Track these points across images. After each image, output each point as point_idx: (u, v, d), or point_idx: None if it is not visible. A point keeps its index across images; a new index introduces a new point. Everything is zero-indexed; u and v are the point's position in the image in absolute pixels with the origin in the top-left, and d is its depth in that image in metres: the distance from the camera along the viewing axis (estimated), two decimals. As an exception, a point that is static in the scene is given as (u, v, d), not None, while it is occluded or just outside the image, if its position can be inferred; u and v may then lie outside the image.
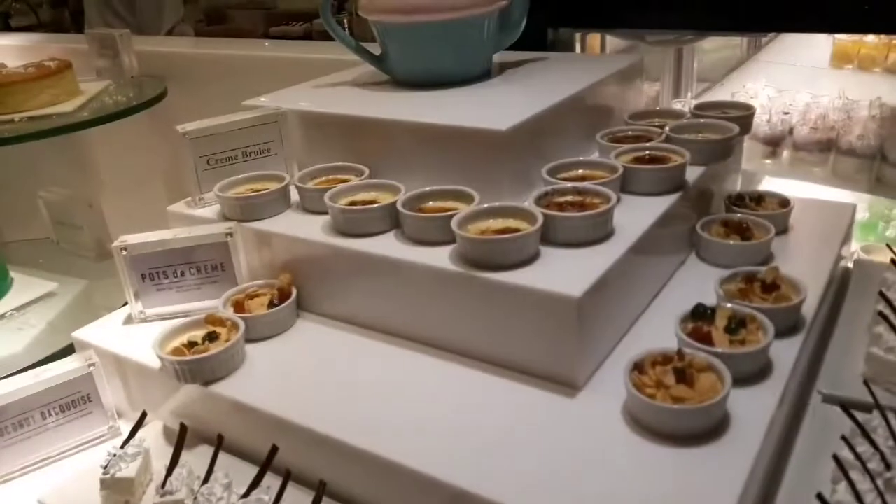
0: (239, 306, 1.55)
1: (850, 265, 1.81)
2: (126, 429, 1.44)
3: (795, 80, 2.97)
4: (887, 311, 1.38)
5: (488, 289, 1.31)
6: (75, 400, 1.54)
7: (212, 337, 1.45)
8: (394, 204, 1.49)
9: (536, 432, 1.19)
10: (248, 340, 1.50)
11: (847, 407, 1.24)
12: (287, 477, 1.21)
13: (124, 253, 1.60)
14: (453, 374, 1.37)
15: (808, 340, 1.40)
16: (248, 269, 1.67)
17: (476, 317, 1.35)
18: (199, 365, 1.39)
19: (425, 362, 1.41)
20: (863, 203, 2.62)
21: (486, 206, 1.43)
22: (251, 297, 1.59)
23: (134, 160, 3.11)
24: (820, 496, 1.00)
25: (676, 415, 1.13)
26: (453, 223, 1.36)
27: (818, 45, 3.34)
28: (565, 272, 1.28)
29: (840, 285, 1.71)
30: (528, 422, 1.22)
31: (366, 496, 1.24)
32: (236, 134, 1.75)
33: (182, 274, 1.63)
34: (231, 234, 1.61)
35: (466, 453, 1.16)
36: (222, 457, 1.33)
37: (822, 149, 2.21)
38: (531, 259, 1.33)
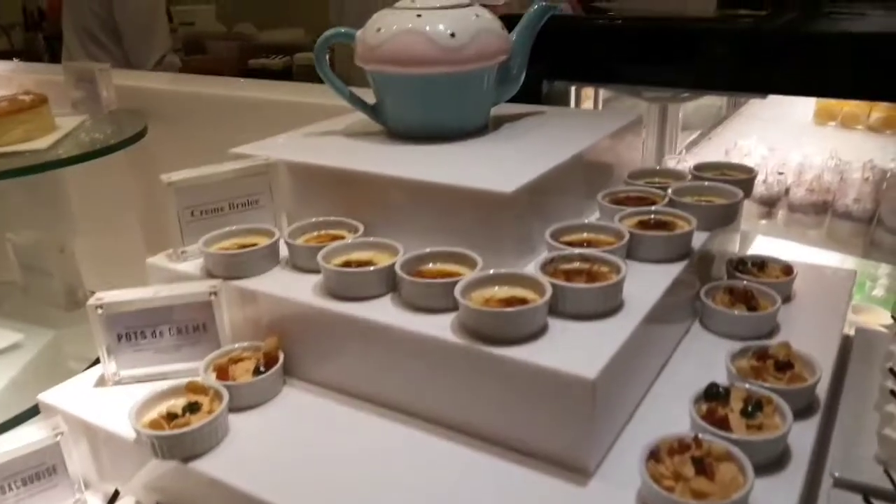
0: (222, 372, 1.45)
1: (850, 332, 1.77)
2: (93, 502, 1.33)
3: (781, 137, 2.98)
4: (898, 389, 1.33)
5: (494, 364, 1.23)
6: (40, 472, 1.41)
7: (193, 408, 1.35)
8: (392, 266, 1.41)
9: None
10: (232, 409, 1.40)
11: (866, 494, 1.18)
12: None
13: (100, 311, 1.50)
14: (451, 454, 1.28)
15: (822, 421, 1.35)
16: (232, 329, 1.57)
17: (479, 392, 1.28)
18: (179, 440, 1.29)
19: (421, 439, 1.33)
20: (850, 263, 2.61)
21: (490, 272, 1.36)
22: (235, 361, 1.49)
23: (109, 201, 2.99)
24: None
25: (699, 512, 1.05)
26: (457, 291, 1.29)
27: (800, 101, 3.37)
28: (577, 349, 1.22)
29: (842, 354, 1.67)
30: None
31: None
32: (224, 185, 1.66)
33: (161, 334, 1.53)
34: (215, 293, 1.51)
35: None
36: (201, 540, 1.23)
37: (818, 211, 2.19)
38: (539, 332, 1.26)
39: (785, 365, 1.36)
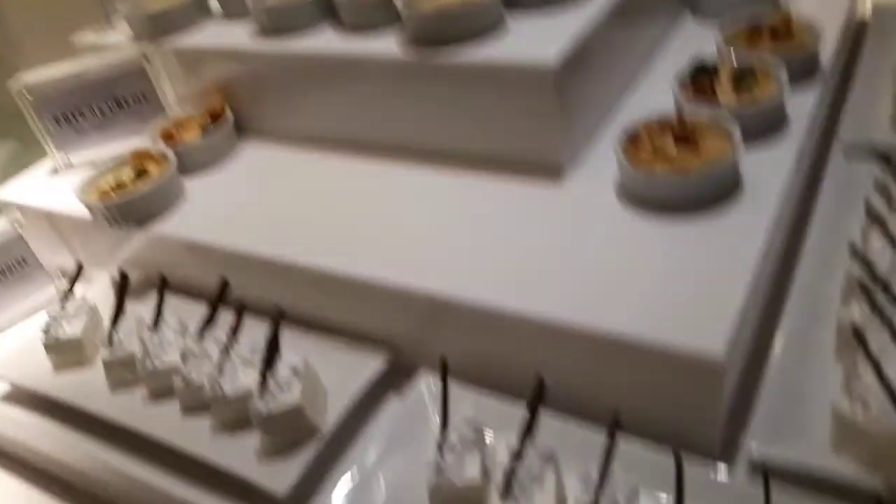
0: (169, 137, 1.35)
1: (867, 10, 1.57)
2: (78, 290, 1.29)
3: None
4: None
5: (448, 71, 1.09)
6: (10, 265, 1.38)
7: (141, 175, 1.26)
8: (326, -13, 1.24)
9: (519, 225, 1.03)
10: (185, 173, 1.31)
11: (875, 150, 1.07)
12: (241, 310, 1.06)
13: (29, 97, 1.37)
14: (421, 177, 1.18)
15: (826, 89, 1.20)
16: (177, 97, 1.45)
17: (440, 106, 1.15)
18: (128, 206, 1.21)
19: (387, 169, 1.22)
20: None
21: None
22: (181, 125, 1.38)
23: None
24: (852, 246, 0.85)
25: (680, 185, 0.95)
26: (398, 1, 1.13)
27: None
28: (537, 38, 1.07)
29: (856, 34, 1.49)
30: (510, 215, 1.05)
31: (338, 319, 1.10)
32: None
33: (101, 111, 1.41)
34: (148, 59, 1.37)
35: (443, 258, 1.00)
36: (175, 301, 1.19)
37: None
38: (493, 26, 1.11)
39: (784, 34, 1.19)
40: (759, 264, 0.87)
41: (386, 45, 1.16)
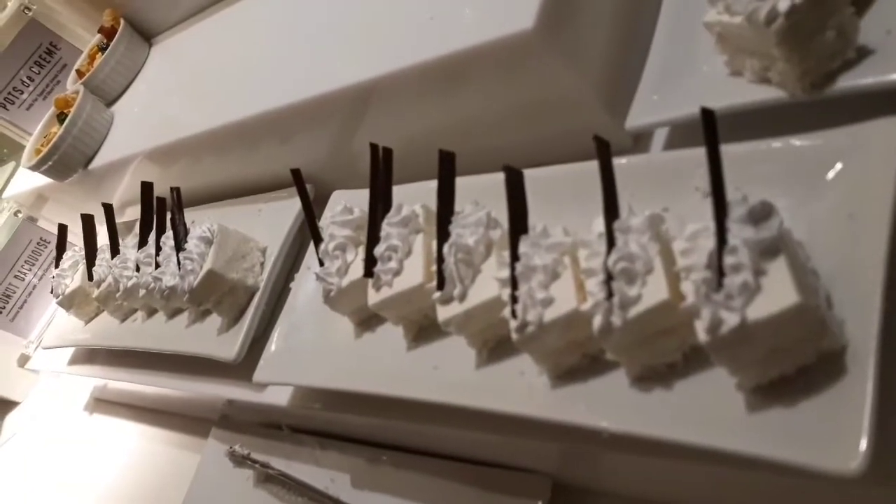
0: (81, 74, 1.33)
1: None
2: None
3: None
4: None
5: None
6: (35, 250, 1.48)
7: (63, 119, 1.26)
8: None
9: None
10: (112, 101, 1.30)
11: None
12: (162, 205, 1.03)
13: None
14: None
15: None
16: (87, 31, 1.41)
17: None
18: (60, 154, 1.22)
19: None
20: None
21: None
22: (92, 58, 1.34)
23: None
24: None
25: None
26: None
27: None
28: None
29: None
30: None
31: (261, 172, 1.05)
32: None
33: (31, 79, 1.42)
34: (28, 7, 1.35)
35: (327, 53, 0.90)
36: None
37: None
38: None
39: None
40: None
41: None
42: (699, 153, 0.50)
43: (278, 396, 0.88)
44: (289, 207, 0.98)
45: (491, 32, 0.66)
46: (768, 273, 0.46)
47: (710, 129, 0.48)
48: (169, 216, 0.96)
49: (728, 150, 0.49)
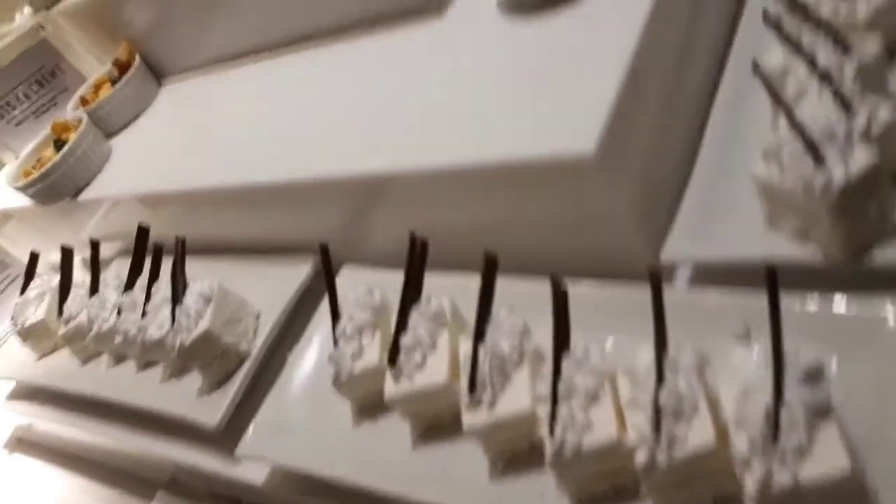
0: (85, 102, 1.30)
1: None
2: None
3: None
4: None
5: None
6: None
7: (60, 146, 1.23)
8: None
9: (410, 72, 0.91)
10: (111, 134, 1.27)
11: None
12: (160, 252, 1.01)
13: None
14: (320, 60, 1.08)
15: None
16: (95, 58, 1.40)
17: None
18: (51, 180, 1.18)
19: (287, 62, 1.14)
20: None
21: None
22: (98, 87, 1.32)
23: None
24: (755, 65, 0.66)
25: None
26: None
27: None
28: None
29: None
30: (395, 70, 0.93)
31: (267, 235, 1.03)
32: None
33: (27, 96, 1.38)
34: (42, 27, 1.32)
35: (356, 133, 0.90)
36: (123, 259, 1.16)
37: None
38: None
39: None
40: (642, 42, 0.70)
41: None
42: (738, 299, 0.53)
43: (253, 472, 0.85)
44: (290, 275, 0.97)
45: (551, 147, 0.68)
46: (819, 434, 0.47)
47: (772, 288, 0.51)
48: (171, 267, 0.92)
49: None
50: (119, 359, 1.07)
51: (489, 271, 0.65)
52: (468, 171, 0.74)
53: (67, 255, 1.16)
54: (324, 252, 0.78)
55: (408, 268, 0.72)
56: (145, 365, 1.02)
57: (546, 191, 0.72)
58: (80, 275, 1.18)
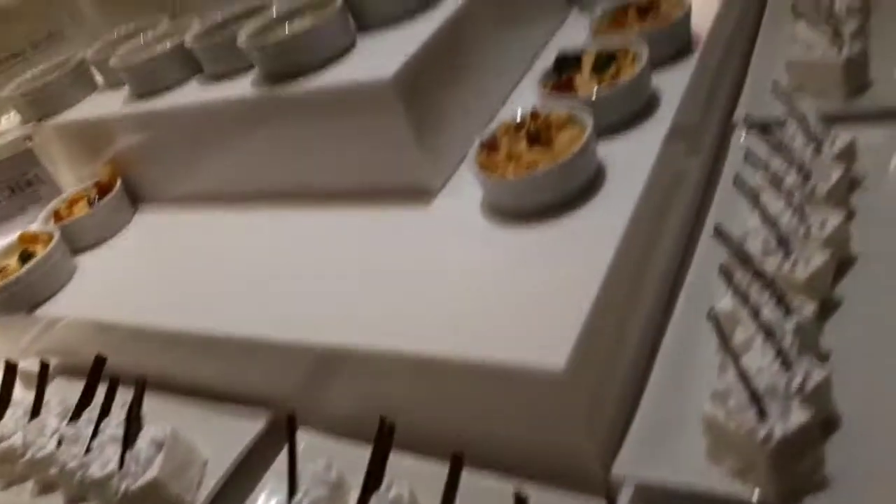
0: (59, 217, 1.31)
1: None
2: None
3: None
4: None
5: (298, 102, 1.05)
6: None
7: (26, 257, 1.23)
8: (182, 44, 1.20)
9: (386, 260, 0.96)
10: (78, 250, 1.28)
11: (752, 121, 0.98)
12: (115, 384, 1.00)
13: None
14: (299, 221, 1.14)
15: (706, 63, 1.11)
16: (74, 175, 1.42)
17: (303, 141, 1.10)
18: (10, 293, 1.17)
19: (267, 218, 1.18)
20: None
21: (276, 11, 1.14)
22: (73, 203, 1.34)
23: None
24: (717, 228, 0.76)
25: (528, 185, 0.88)
26: (240, 39, 1.09)
27: None
28: (381, 55, 1.01)
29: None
30: (379, 252, 0.99)
31: (222, 383, 1.04)
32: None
33: (-6, 202, 1.39)
34: (30, 138, 1.35)
35: (325, 302, 0.94)
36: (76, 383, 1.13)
37: None
38: (343, 51, 1.06)
39: (650, 10, 1.12)
40: (612, 268, 0.78)
41: (241, 87, 1.12)
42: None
43: None
44: (243, 426, 0.97)
45: (519, 355, 0.73)
46: None
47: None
48: (128, 408, 0.92)
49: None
50: (46, 489, 1.03)
51: (455, 469, 0.69)
52: (438, 363, 0.78)
53: (11, 370, 1.14)
54: (290, 422, 0.80)
55: (374, 451, 0.74)
56: (76, 501, 0.99)
57: (508, 392, 0.77)
58: (20, 392, 1.16)
